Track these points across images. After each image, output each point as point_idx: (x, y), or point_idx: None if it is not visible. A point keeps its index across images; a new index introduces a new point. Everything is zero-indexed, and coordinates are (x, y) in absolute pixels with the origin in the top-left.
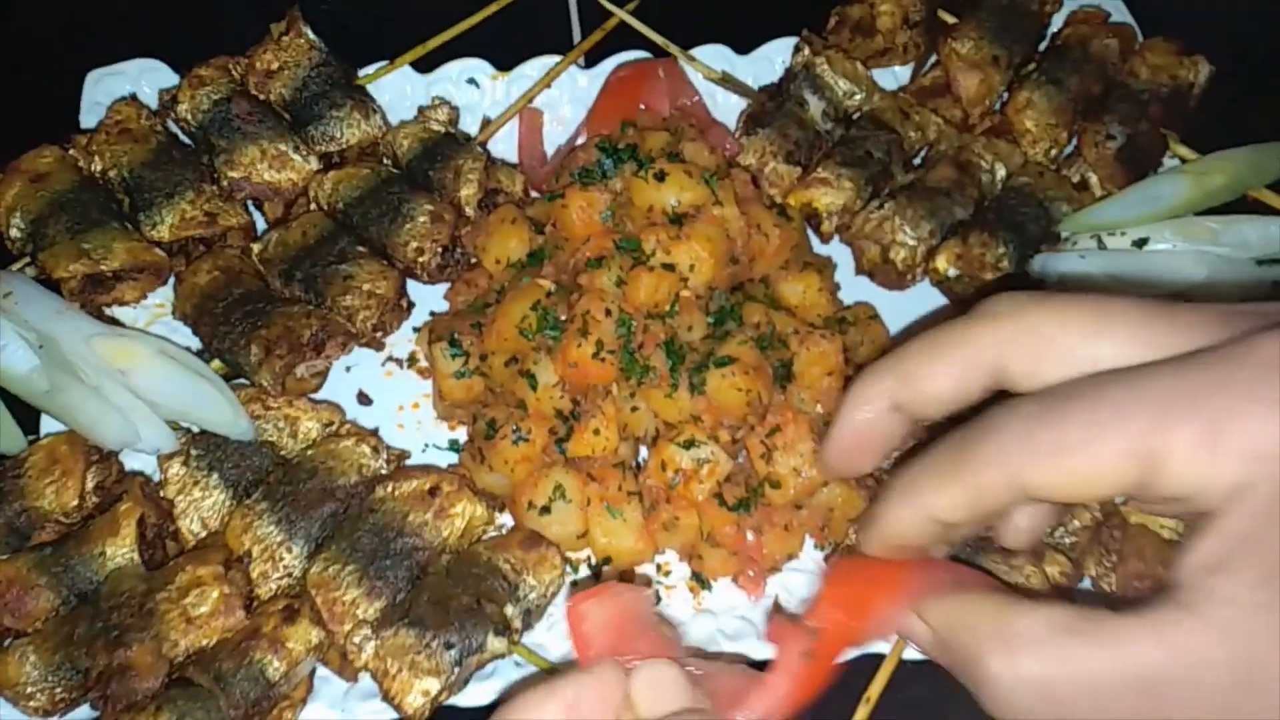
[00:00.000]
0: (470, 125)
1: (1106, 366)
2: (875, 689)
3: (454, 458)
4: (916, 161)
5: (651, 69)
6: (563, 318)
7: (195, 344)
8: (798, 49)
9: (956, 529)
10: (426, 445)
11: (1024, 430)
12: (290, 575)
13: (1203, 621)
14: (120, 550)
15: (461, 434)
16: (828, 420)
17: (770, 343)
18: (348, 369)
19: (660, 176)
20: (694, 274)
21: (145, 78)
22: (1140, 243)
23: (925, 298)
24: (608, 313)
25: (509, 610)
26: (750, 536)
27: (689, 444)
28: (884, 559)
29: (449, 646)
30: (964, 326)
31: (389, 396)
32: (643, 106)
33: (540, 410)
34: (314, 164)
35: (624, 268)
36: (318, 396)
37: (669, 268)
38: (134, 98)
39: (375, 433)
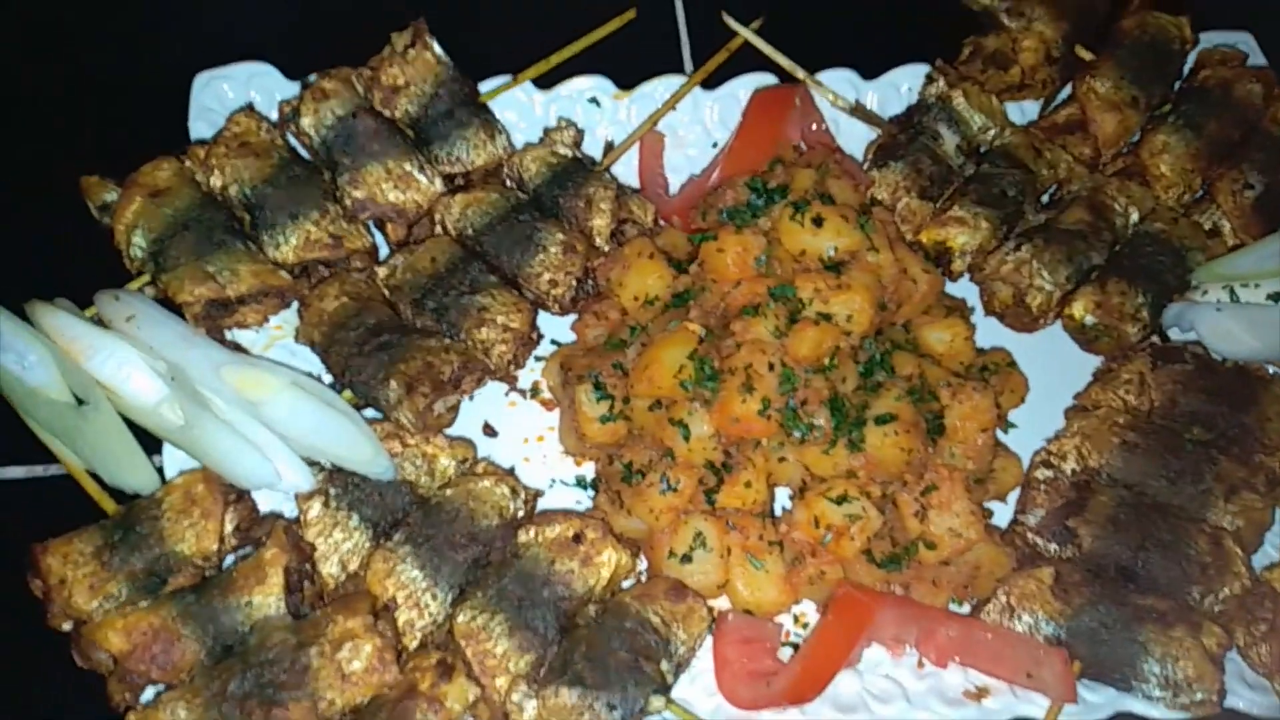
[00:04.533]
0: (590, 144)
1: None
2: None
3: (580, 494)
4: (1044, 199)
5: (789, 96)
6: (714, 365)
7: (317, 366)
8: (931, 79)
9: None
10: (553, 481)
11: None
12: (435, 622)
13: None
14: (268, 600)
15: (587, 470)
16: (979, 478)
17: (921, 394)
18: (471, 399)
19: (818, 221)
20: (851, 324)
21: (254, 82)
22: (1276, 296)
23: (1053, 341)
24: (770, 367)
25: (664, 665)
26: (898, 591)
27: (841, 499)
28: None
29: (612, 708)
30: None
31: (514, 428)
32: None
33: (690, 460)
34: (439, 185)
35: (779, 316)
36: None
37: (825, 317)
38: (251, 108)
39: (512, 472)
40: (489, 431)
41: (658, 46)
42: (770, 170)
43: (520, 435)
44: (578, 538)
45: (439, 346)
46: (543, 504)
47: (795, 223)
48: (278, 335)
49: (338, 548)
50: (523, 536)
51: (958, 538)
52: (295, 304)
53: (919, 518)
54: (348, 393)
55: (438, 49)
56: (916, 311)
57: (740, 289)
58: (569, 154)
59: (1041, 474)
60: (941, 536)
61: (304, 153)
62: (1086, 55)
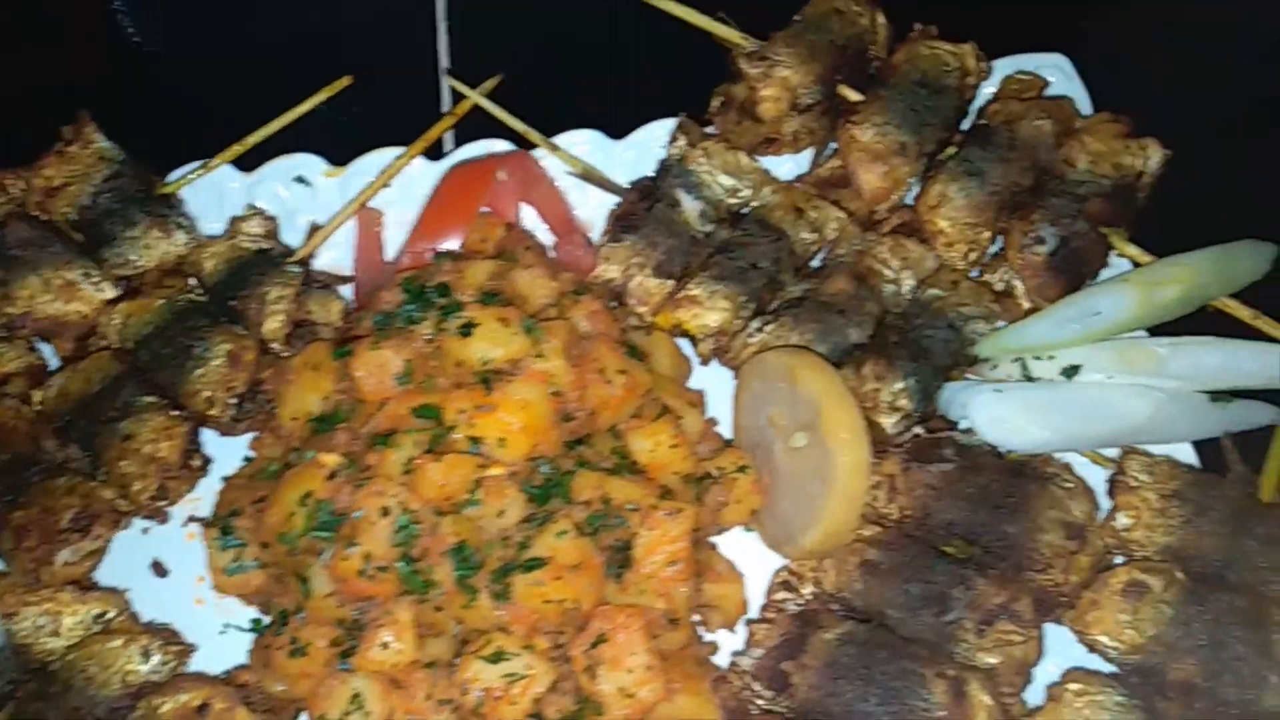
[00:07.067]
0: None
1: None
2: None
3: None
4: (816, 262)
5: (487, 170)
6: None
7: None
8: (673, 138)
9: None
10: (225, 626)
11: None
12: None
13: None
14: None
15: None
16: (673, 617)
17: (605, 521)
18: (145, 531)
19: (467, 330)
20: (505, 449)
21: None
22: (1071, 370)
23: None
24: (385, 512)
25: None
26: None
27: (497, 657)
28: None
29: None
30: None
31: (189, 564)
32: (487, 210)
33: (319, 617)
34: (109, 292)
35: (420, 444)
36: (108, 566)
37: (477, 441)
38: None
39: (151, 626)
40: (159, 570)
41: (416, 115)
42: (436, 265)
43: (195, 572)
44: (203, 709)
45: (61, 488)
46: (212, 655)
47: (445, 331)
48: None
49: None
50: (140, 709)
51: (628, 698)
52: None
53: (589, 674)
54: None
55: (102, 141)
56: (622, 416)
57: (385, 410)
58: (254, 246)
59: (781, 596)
60: (611, 698)
61: None
62: (853, 96)
